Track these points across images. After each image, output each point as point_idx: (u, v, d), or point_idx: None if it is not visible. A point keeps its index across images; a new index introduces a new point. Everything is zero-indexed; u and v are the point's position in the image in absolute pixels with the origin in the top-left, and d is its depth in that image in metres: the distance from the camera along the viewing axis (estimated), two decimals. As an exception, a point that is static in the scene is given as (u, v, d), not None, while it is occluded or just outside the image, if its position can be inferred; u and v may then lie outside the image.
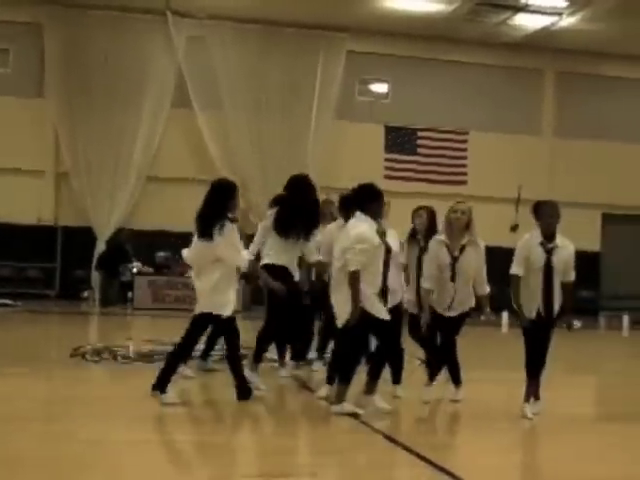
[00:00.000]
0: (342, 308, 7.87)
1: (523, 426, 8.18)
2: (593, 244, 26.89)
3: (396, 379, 9.23)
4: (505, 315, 21.90)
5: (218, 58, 24.48)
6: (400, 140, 26.09)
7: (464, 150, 26.36)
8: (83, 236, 23.68)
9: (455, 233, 8.72)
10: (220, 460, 6.38)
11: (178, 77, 24.26)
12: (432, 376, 9.14)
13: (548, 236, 8.38)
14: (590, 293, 26.75)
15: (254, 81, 24.64)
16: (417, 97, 26.08)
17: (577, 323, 21.05)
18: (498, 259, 27.97)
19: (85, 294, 23.71)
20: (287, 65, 24.83)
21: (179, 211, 24.26)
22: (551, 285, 8.28)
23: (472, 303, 9.03)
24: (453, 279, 8.68)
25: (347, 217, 8.78)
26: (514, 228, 26.45)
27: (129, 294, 22.28)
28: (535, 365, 8.33)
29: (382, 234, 8.05)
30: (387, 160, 25.67)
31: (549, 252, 8.30)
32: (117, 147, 24.03)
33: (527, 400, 8.34)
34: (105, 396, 9.04)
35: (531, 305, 8.36)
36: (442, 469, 6.12)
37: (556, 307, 8.40)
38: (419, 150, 26.21)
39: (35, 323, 17.84)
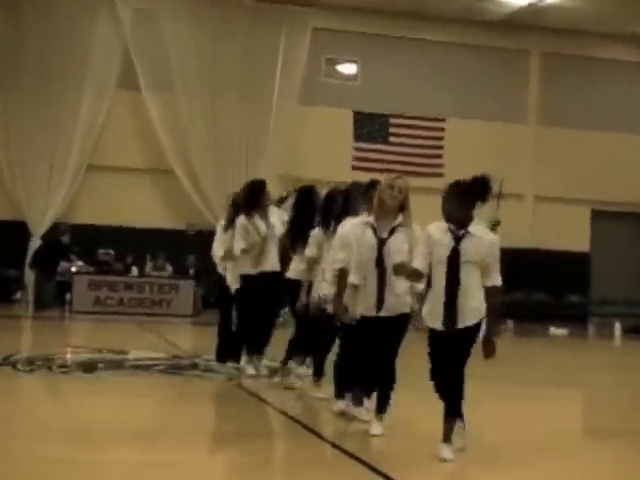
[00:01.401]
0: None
1: (506, 443, 8.18)
2: (582, 244, 27.11)
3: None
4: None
5: (169, 34, 24.34)
6: (370, 127, 26.12)
7: (440, 139, 26.45)
8: (15, 231, 23.43)
9: (386, 214, 7.94)
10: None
11: (124, 55, 24.07)
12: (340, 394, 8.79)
13: (455, 222, 7.29)
14: (578, 297, 27.01)
15: (209, 61, 24.52)
16: (389, 80, 26.10)
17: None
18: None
19: (17, 295, 23.50)
20: (245, 43, 24.74)
21: (124, 204, 24.18)
22: (457, 282, 7.10)
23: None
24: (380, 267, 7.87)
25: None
26: (495, 225, 26.56)
27: (67, 296, 22.11)
28: (444, 394, 7.33)
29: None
30: (356, 149, 25.69)
31: (457, 240, 7.18)
32: (54, 132, 23.79)
33: (446, 439, 7.25)
34: (37, 410, 8.93)
35: (435, 312, 7.18)
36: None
37: (465, 315, 7.14)
38: (391, 139, 26.25)
39: (-40, 328, 17.63)
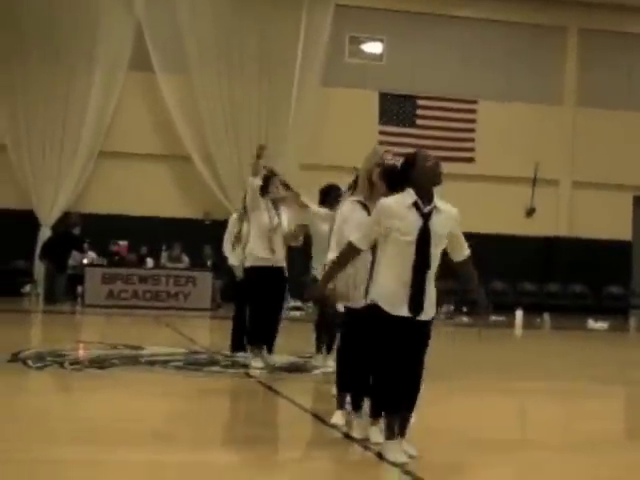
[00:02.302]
0: None
1: (528, 445, 8.17)
2: (623, 232, 27.00)
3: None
4: (519, 314, 21.98)
5: (183, 12, 24.37)
6: (397, 109, 26.07)
7: (472, 122, 26.38)
8: (24, 221, 23.57)
9: (378, 194, 7.46)
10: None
11: (137, 34, 24.12)
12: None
13: (427, 193, 6.85)
14: (619, 289, 26.91)
15: (226, 40, 24.52)
16: (416, 59, 26.05)
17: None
18: (511, 249, 28.28)
19: (26, 289, 23.61)
20: (265, 21, 24.73)
21: (137, 192, 24.26)
22: (427, 265, 6.80)
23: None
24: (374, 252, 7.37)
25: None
26: (530, 212, 26.59)
27: (78, 289, 22.20)
28: (406, 388, 6.96)
29: None
30: (381, 133, 25.64)
31: (426, 217, 6.80)
32: (64, 116, 23.90)
33: (399, 434, 7.00)
34: (48, 408, 8.98)
35: (397, 296, 6.81)
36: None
37: (431, 300, 6.92)
38: (418, 121, 26.21)
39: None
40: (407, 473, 6.61)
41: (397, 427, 7.00)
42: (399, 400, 6.95)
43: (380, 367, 6.98)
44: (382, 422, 7.17)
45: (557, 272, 26.81)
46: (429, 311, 6.93)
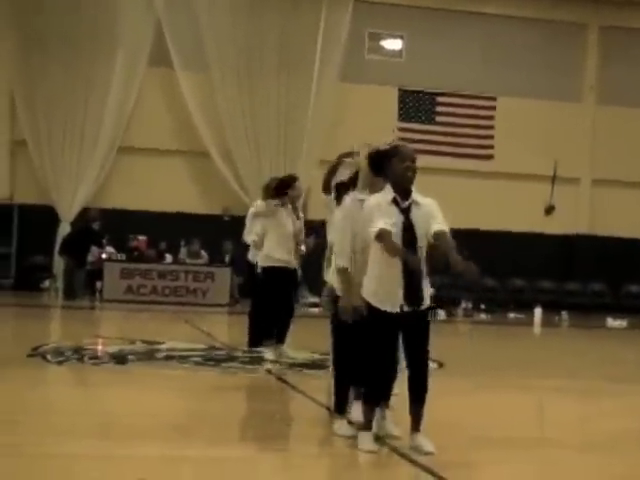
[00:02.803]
0: None
1: (547, 443, 8.15)
2: (642, 231, 26.84)
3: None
4: (538, 312, 21.92)
5: (203, 8, 24.37)
6: (416, 106, 26.05)
7: (491, 119, 26.31)
8: (43, 216, 23.64)
9: (380, 188, 7.31)
10: (202, 476, 6.37)
11: (156, 30, 24.15)
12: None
13: (402, 191, 6.98)
14: (638, 287, 26.81)
15: (245, 36, 24.54)
16: (436, 56, 26.00)
17: (441, 312, 21.66)
18: (531, 247, 28.16)
19: (46, 284, 23.70)
20: (284, 17, 24.74)
21: (157, 188, 24.31)
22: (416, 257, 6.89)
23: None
24: None
25: None
26: (549, 210, 26.50)
27: (97, 284, 22.27)
28: (414, 385, 7.08)
29: None
30: (400, 130, 25.58)
31: (405, 212, 6.93)
32: (83, 112, 23.97)
33: (415, 429, 7.15)
34: (67, 403, 9.02)
35: (393, 292, 6.96)
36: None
37: (426, 292, 7.05)
38: (438, 118, 26.18)
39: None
40: (426, 470, 6.62)
41: (411, 421, 7.12)
42: (382, 393, 7.14)
43: (369, 359, 7.06)
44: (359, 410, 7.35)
45: (576, 270, 26.72)
46: (425, 301, 7.05)
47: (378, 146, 7.54)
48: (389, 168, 7.05)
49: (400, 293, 6.94)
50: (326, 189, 9.07)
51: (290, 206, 11.83)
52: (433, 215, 6.99)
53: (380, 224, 6.92)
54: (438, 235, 6.93)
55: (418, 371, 7.09)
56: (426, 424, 7.14)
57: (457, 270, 6.78)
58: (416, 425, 7.12)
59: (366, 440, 7.10)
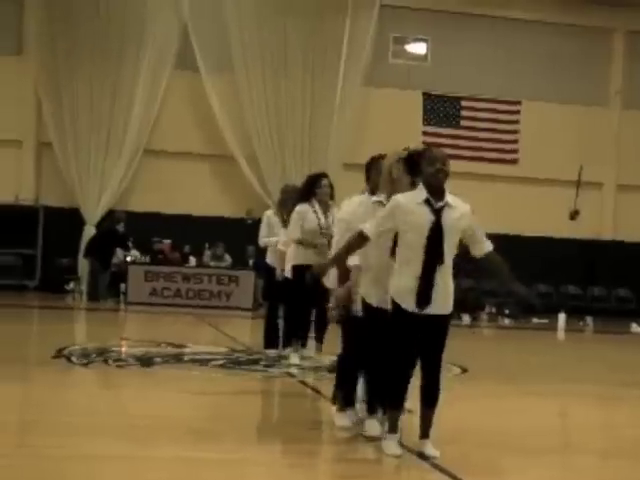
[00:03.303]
0: None
1: (569, 449, 8.15)
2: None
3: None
4: (562, 317, 21.86)
5: (229, 12, 24.42)
6: (441, 110, 26.02)
7: (516, 123, 26.26)
8: (68, 218, 23.76)
9: (401, 190, 7.33)
10: (225, 479, 6.41)
11: (182, 33, 24.23)
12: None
13: (435, 192, 6.99)
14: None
15: (271, 40, 24.59)
16: (461, 60, 25.97)
17: (465, 317, 21.63)
18: (555, 252, 28.07)
19: (70, 286, 23.79)
20: (310, 22, 24.77)
21: (181, 191, 24.38)
22: (441, 259, 6.93)
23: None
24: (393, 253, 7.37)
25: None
26: (574, 215, 26.37)
27: (121, 286, 22.35)
28: (426, 390, 7.09)
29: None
30: (425, 134, 25.59)
31: (437, 213, 6.93)
32: (109, 114, 24.07)
33: (424, 436, 7.17)
34: (91, 404, 9.06)
35: (407, 291, 6.98)
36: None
37: (446, 295, 7.02)
38: (462, 122, 26.14)
39: (11, 319, 17.90)
40: (450, 476, 6.62)
41: (420, 428, 7.13)
42: (404, 396, 7.12)
43: (389, 362, 7.10)
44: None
45: (601, 275, 26.61)
46: (444, 306, 7.04)
47: (412, 148, 7.56)
48: (421, 170, 7.10)
49: (413, 294, 6.95)
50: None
51: (317, 204, 11.65)
52: (472, 228, 7.08)
53: (367, 226, 7.09)
54: (486, 259, 7.14)
55: (432, 376, 7.09)
56: (449, 428, 7.15)
57: (517, 297, 6.88)
58: (425, 431, 7.13)
59: (391, 444, 7.11)
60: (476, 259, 7.19)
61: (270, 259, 12.89)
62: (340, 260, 7.53)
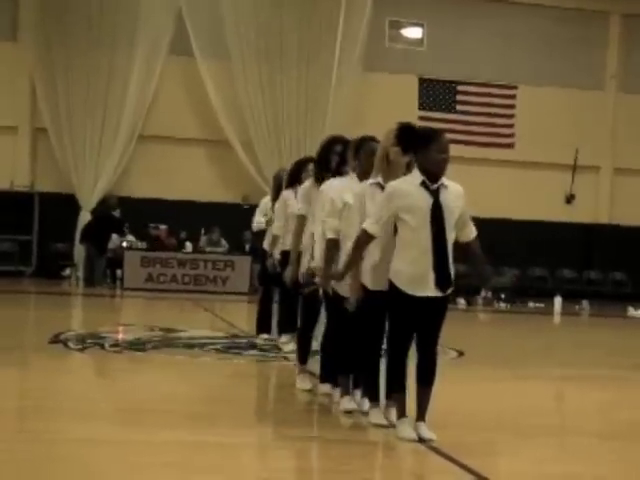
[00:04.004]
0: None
1: (567, 430, 8.18)
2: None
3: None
4: (558, 301, 21.91)
5: (224, -4, 24.39)
6: (437, 95, 26.01)
7: (512, 107, 26.26)
8: (64, 204, 23.74)
9: (395, 174, 7.30)
10: (221, 462, 6.41)
11: (177, 18, 24.18)
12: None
13: (432, 176, 6.96)
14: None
15: (266, 25, 24.55)
16: (457, 44, 25.94)
17: (461, 301, 21.67)
18: (551, 236, 28.09)
19: (66, 271, 23.81)
20: (305, 7, 24.73)
21: (177, 176, 24.37)
22: (444, 239, 6.91)
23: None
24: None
25: None
26: (570, 199, 26.44)
27: (117, 272, 22.37)
28: (423, 368, 7.07)
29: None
30: (421, 118, 25.51)
31: (435, 194, 6.91)
32: (104, 100, 24.04)
33: (420, 418, 7.12)
34: (88, 389, 9.09)
35: (419, 276, 6.95)
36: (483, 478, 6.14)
37: (451, 274, 7.03)
38: (458, 107, 26.13)
39: (8, 305, 17.91)
40: (447, 458, 6.64)
41: (416, 409, 7.11)
42: (405, 377, 7.13)
43: (393, 347, 7.13)
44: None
45: (597, 259, 26.67)
46: (452, 284, 7.09)
47: (406, 123, 7.51)
48: (423, 152, 7.00)
49: (432, 277, 6.92)
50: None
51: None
52: (464, 213, 7.08)
53: (369, 224, 7.07)
54: (470, 245, 7.17)
55: (429, 356, 7.10)
56: (446, 411, 7.17)
57: (477, 270, 7.02)
58: (421, 414, 7.12)
59: (406, 429, 7.05)
60: (459, 243, 7.16)
61: (267, 244, 12.88)
62: (354, 264, 7.43)
